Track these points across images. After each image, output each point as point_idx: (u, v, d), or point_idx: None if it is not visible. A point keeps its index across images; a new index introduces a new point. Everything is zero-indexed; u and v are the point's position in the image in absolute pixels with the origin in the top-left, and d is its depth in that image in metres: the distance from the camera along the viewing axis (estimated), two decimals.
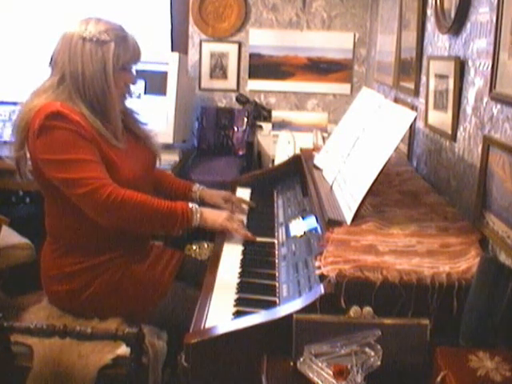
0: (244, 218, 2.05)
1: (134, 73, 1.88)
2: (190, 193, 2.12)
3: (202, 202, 2.11)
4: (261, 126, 3.51)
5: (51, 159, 1.66)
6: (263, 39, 3.51)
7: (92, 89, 1.73)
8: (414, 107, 2.29)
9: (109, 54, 1.73)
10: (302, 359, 1.19)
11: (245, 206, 2.18)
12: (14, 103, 3.16)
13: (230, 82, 3.58)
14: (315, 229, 1.76)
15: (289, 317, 1.25)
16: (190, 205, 1.80)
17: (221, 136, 3.45)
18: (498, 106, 1.49)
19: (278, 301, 1.49)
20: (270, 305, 1.45)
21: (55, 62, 1.76)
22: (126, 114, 1.92)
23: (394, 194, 1.85)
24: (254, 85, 3.57)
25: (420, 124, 2.23)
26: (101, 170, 1.69)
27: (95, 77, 1.72)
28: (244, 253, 1.79)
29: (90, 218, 1.71)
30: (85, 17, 1.80)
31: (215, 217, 1.84)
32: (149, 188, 1.90)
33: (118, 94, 1.81)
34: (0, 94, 3.30)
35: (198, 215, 1.79)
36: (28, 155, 1.75)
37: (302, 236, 1.78)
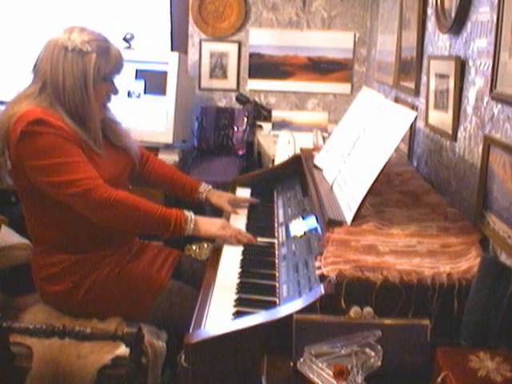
0: (244, 222, 2.04)
1: (116, 83, 1.86)
2: (196, 193, 2.12)
3: (208, 203, 2.12)
4: (261, 126, 3.51)
5: (40, 165, 1.66)
6: (263, 39, 3.50)
7: (72, 99, 1.73)
8: (414, 107, 2.28)
9: (90, 65, 1.73)
10: (302, 359, 1.19)
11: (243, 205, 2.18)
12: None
13: (230, 82, 3.57)
14: (315, 229, 1.76)
15: (289, 317, 1.25)
16: (186, 213, 1.79)
17: (221, 136, 3.45)
18: (499, 106, 1.49)
19: (278, 301, 1.49)
20: (270, 305, 1.45)
21: (38, 70, 1.76)
22: (105, 124, 1.90)
23: (394, 194, 1.84)
24: (254, 84, 3.56)
25: (420, 124, 2.23)
26: (91, 170, 1.70)
27: (75, 87, 1.72)
28: (244, 253, 1.79)
29: (70, 218, 1.73)
30: (69, 25, 1.79)
31: (209, 226, 1.83)
32: (125, 189, 1.88)
33: (99, 104, 1.80)
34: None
35: (192, 225, 1.78)
36: (8, 161, 1.74)
37: (302, 236, 1.78)
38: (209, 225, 1.83)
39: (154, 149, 2.78)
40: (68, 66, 1.71)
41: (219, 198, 2.12)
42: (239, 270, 1.67)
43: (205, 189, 2.12)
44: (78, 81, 1.72)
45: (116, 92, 1.86)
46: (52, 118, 1.69)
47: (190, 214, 1.80)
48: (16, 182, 1.78)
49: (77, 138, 1.72)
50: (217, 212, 2.17)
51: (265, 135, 3.50)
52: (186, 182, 2.14)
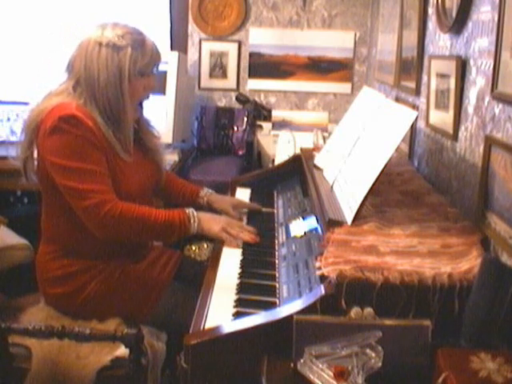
0: (243, 223, 2.02)
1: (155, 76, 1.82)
2: (197, 198, 2.07)
3: (210, 208, 2.06)
4: (261, 126, 3.50)
5: (59, 163, 1.64)
6: (263, 38, 3.50)
7: (105, 95, 1.70)
8: (415, 107, 2.28)
9: (125, 59, 1.70)
10: (302, 360, 1.18)
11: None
12: (13, 103, 3.18)
13: (230, 82, 3.57)
14: (315, 229, 1.75)
15: (289, 318, 1.24)
16: (188, 211, 1.78)
17: (220, 136, 3.44)
18: (500, 106, 1.48)
19: (278, 301, 1.48)
20: (270, 306, 1.44)
21: (71, 67, 1.73)
22: (139, 124, 1.89)
23: (395, 194, 1.84)
24: (253, 84, 3.56)
25: (421, 123, 2.22)
26: (105, 183, 1.67)
27: (109, 83, 1.69)
28: (244, 253, 1.78)
29: (83, 224, 1.70)
30: (102, 22, 1.76)
31: (211, 224, 1.81)
32: (150, 201, 1.88)
33: (136, 100, 1.79)
34: None
35: (196, 224, 1.76)
36: (35, 155, 1.73)
37: (302, 236, 1.77)
38: (212, 223, 1.81)
39: None
40: (103, 62, 1.68)
41: (222, 202, 2.07)
42: (239, 271, 1.67)
43: (205, 193, 2.08)
44: (112, 76, 1.69)
45: (154, 86, 1.81)
46: (85, 116, 1.66)
47: (191, 211, 1.78)
48: (38, 176, 1.76)
49: (104, 143, 1.69)
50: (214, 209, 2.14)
51: (265, 135, 3.49)
52: (186, 189, 2.10)
